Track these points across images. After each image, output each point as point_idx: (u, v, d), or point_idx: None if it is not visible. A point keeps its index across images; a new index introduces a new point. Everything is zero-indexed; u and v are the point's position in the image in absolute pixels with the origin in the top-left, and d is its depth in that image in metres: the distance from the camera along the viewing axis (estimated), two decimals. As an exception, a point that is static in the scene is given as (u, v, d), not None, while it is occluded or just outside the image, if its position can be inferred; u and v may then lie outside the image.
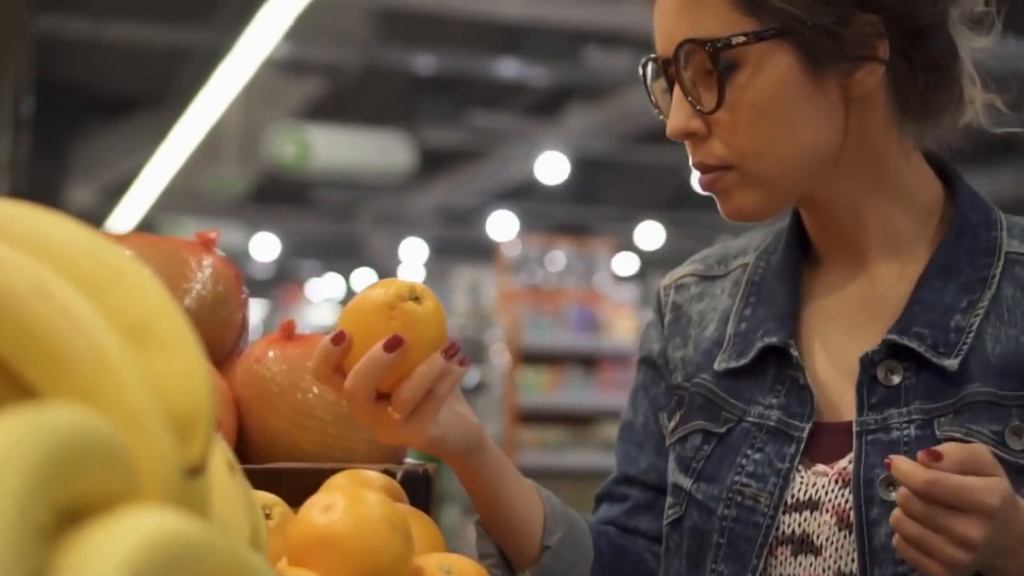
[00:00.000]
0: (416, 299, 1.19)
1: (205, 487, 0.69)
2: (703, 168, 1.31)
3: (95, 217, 12.89)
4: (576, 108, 10.05)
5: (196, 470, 0.66)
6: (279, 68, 8.65)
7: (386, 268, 17.89)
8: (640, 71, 1.35)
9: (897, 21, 1.26)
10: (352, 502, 0.98)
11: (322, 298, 20.08)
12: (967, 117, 1.34)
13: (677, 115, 1.30)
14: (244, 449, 1.42)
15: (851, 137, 1.30)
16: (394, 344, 1.16)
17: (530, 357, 8.48)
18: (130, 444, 0.60)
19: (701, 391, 1.41)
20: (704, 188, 1.33)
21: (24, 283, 0.61)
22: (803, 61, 1.26)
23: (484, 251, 12.85)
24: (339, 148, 10.44)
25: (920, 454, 1.11)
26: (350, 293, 19.78)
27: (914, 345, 1.28)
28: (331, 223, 15.64)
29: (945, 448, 1.12)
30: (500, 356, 8.62)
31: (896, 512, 1.14)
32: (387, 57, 8.93)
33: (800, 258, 1.42)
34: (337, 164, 10.52)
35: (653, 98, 1.36)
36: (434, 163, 12.01)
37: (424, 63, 9.09)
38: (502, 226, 13.40)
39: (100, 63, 9.87)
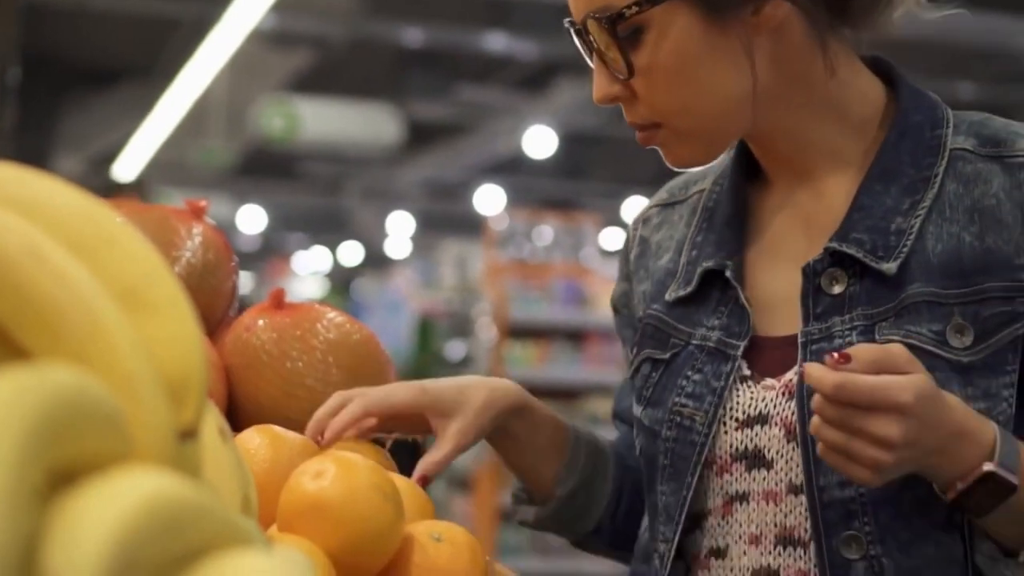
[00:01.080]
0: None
1: (197, 452, 0.69)
2: (636, 127, 1.33)
3: (81, 189, 12.83)
4: (564, 83, 10.01)
5: (189, 434, 0.66)
6: (266, 40, 8.60)
7: (373, 241, 17.88)
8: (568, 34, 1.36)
9: None
10: (343, 469, 0.98)
11: (309, 271, 20.05)
12: (902, 8, 1.33)
13: (599, 82, 1.31)
14: (234, 417, 1.42)
15: (772, 69, 1.30)
16: None
17: (517, 331, 8.47)
18: (124, 407, 0.60)
19: (652, 321, 1.43)
20: (642, 144, 1.35)
21: (17, 245, 0.61)
22: (704, 15, 1.26)
23: (471, 225, 12.83)
24: (327, 121, 10.41)
25: (827, 357, 1.12)
26: (336, 266, 19.76)
27: (853, 251, 1.28)
28: (318, 196, 15.60)
29: (855, 350, 1.13)
30: (487, 330, 8.61)
31: (814, 419, 1.14)
32: (375, 30, 8.89)
33: (747, 180, 1.43)
34: (324, 137, 10.49)
35: (586, 58, 1.36)
36: (422, 136, 11.97)
37: (412, 36, 9.05)
38: (489, 200, 13.39)
39: (87, 33, 9.81)
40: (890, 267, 1.27)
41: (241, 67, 8.79)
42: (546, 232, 9.12)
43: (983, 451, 1.16)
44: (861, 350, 1.13)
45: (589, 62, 1.35)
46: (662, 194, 1.53)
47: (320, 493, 0.96)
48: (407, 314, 11.62)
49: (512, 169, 13.22)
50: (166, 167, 12.43)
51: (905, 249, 1.27)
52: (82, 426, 0.56)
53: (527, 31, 8.82)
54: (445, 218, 16.26)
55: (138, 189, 4.81)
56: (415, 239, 17.21)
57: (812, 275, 1.30)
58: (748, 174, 1.43)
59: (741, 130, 1.34)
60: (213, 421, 0.82)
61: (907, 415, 1.11)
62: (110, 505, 0.54)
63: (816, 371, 1.12)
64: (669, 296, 1.41)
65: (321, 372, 1.41)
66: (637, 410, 1.41)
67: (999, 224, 1.26)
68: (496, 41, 9.03)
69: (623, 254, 1.54)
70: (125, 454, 0.60)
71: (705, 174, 1.49)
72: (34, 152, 10.44)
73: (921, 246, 1.27)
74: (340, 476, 0.97)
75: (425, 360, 9.75)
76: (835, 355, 1.11)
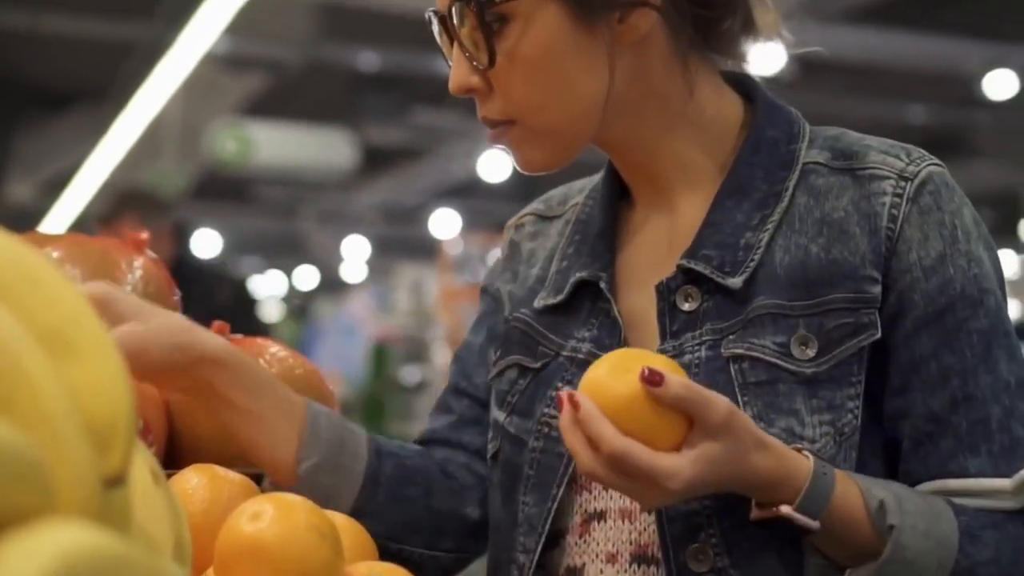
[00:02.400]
0: None
1: (126, 497, 0.67)
2: (488, 123, 1.33)
3: (34, 212, 12.76)
4: (519, 107, 10.03)
5: (116, 480, 0.64)
6: (220, 63, 8.57)
7: (329, 266, 17.84)
8: (429, 26, 1.36)
9: None
10: (280, 510, 0.96)
11: (263, 295, 19.99)
12: (762, 40, 1.36)
13: (456, 71, 1.31)
14: (175, 453, 1.40)
15: (630, 80, 1.30)
16: None
17: (472, 356, 8.46)
18: (45, 455, 0.58)
19: (520, 326, 1.42)
20: (491, 142, 1.35)
21: (-64, 289, 0.60)
22: (572, 12, 1.26)
23: (427, 249, 12.83)
24: (281, 145, 10.38)
25: (646, 369, 1.11)
26: (292, 290, 19.71)
27: (701, 268, 1.29)
28: (273, 220, 15.55)
29: (671, 378, 1.11)
30: (442, 355, 8.60)
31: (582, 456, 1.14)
32: (330, 54, 8.88)
33: (617, 196, 1.43)
34: (279, 161, 10.46)
35: (444, 52, 1.36)
36: (377, 161, 11.97)
37: (367, 60, 9.05)
38: (445, 224, 13.39)
39: (40, 56, 9.76)
40: (735, 282, 1.27)
41: (195, 90, 8.77)
42: (501, 256, 9.11)
43: (790, 493, 1.16)
44: (674, 381, 1.11)
45: (446, 54, 1.35)
46: (539, 205, 1.54)
47: (257, 535, 0.95)
48: (362, 339, 11.59)
49: (467, 193, 13.23)
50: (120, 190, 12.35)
51: (752, 263, 1.28)
52: (1, 479, 0.55)
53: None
54: (400, 242, 16.25)
55: (150, 202, 4.73)
56: (371, 263, 17.18)
57: (666, 292, 1.30)
58: (618, 191, 1.43)
59: (590, 135, 1.33)
60: (145, 464, 0.80)
61: (671, 494, 1.12)
62: (27, 562, 0.52)
63: (596, 427, 1.11)
64: (538, 303, 1.41)
65: (263, 407, 1.39)
66: (500, 416, 1.40)
67: (846, 235, 1.27)
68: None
69: (501, 250, 1.55)
70: (47, 505, 0.58)
71: (583, 188, 1.50)
72: (-15, 175, 10.37)
73: (769, 259, 1.28)
74: (277, 517, 0.95)
75: (380, 385, 9.73)
76: (647, 370, 1.10)
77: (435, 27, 1.35)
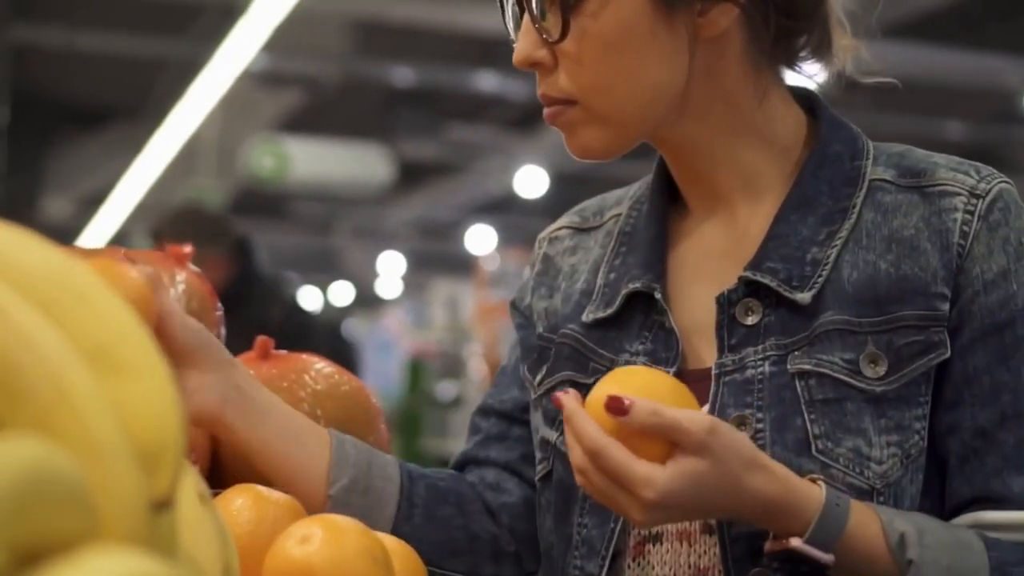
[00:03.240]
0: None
1: (173, 521, 0.65)
2: (548, 100, 1.29)
3: (70, 229, 12.83)
4: (555, 122, 10.04)
5: (163, 504, 0.62)
6: (257, 80, 8.61)
7: (364, 281, 17.87)
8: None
9: None
10: (330, 533, 0.94)
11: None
12: (836, 64, 1.33)
13: (523, 43, 1.28)
14: (218, 473, 1.38)
15: (702, 78, 1.27)
16: None
17: (508, 372, 8.45)
18: (91, 479, 0.56)
19: (569, 342, 1.38)
20: (548, 121, 1.30)
21: (-21, 305, 0.57)
22: None
23: (462, 265, 12.84)
24: (317, 161, 10.41)
25: (608, 400, 1.10)
26: (327, 306, 19.76)
27: (767, 280, 1.26)
28: (309, 236, 15.60)
29: (635, 405, 1.10)
30: (478, 370, 8.58)
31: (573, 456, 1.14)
32: (365, 70, 8.91)
33: (667, 204, 1.39)
34: (315, 177, 10.49)
35: (508, 25, 1.33)
36: (412, 176, 11.98)
37: (402, 76, 9.07)
38: (480, 240, 13.39)
39: (76, 74, 9.82)
40: (804, 297, 1.24)
41: (231, 107, 8.79)
42: (537, 272, 9.10)
43: (801, 525, 1.14)
44: (640, 410, 1.10)
45: (510, 24, 1.32)
46: (574, 217, 1.49)
47: (307, 559, 0.92)
48: (398, 354, 11.61)
49: (503, 209, 13.24)
50: (156, 208, 12.41)
51: (820, 279, 1.25)
52: (46, 503, 0.52)
53: (517, 71, 8.82)
54: (436, 258, 16.27)
55: (215, 222, 4.71)
56: (406, 279, 17.21)
57: (727, 304, 1.27)
58: (667, 199, 1.40)
59: (658, 130, 1.30)
60: (192, 486, 0.78)
61: (647, 506, 1.10)
62: (73, 591, 0.50)
63: (579, 423, 1.11)
64: (587, 317, 1.37)
65: (308, 426, 1.37)
66: (551, 435, 1.37)
67: (916, 251, 1.25)
68: (487, 81, 9.05)
69: (529, 266, 1.50)
70: (93, 531, 0.56)
71: (620, 199, 1.46)
72: (23, 193, 10.44)
73: (837, 275, 1.25)
74: (328, 540, 0.93)
75: (415, 401, 9.72)
76: (608, 399, 1.10)
77: None
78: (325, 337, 5.26)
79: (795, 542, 1.13)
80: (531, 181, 11.03)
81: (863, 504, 1.17)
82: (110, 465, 0.58)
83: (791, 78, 1.37)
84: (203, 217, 4.88)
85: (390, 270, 16.62)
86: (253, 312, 4.08)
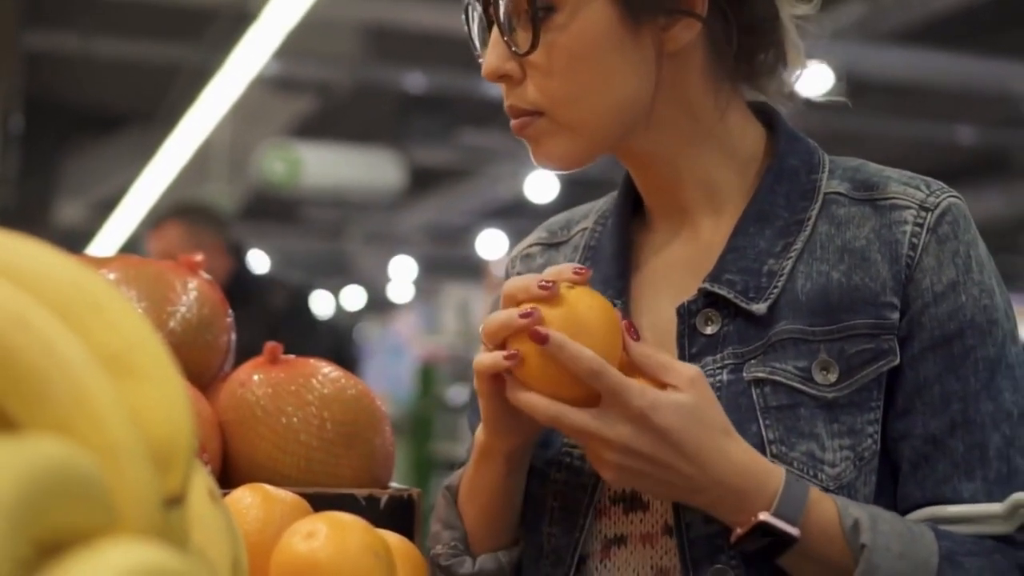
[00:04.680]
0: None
1: (184, 518, 0.69)
2: (515, 112, 1.32)
3: (83, 234, 12.86)
4: (565, 127, 10.02)
5: (175, 501, 0.66)
6: (269, 86, 8.63)
7: (376, 286, 17.87)
8: (463, 12, 1.35)
9: None
10: (334, 529, 0.97)
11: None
12: (790, 84, 1.37)
13: (492, 55, 1.30)
14: (228, 473, 1.41)
15: (666, 91, 1.31)
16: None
17: (519, 376, 8.43)
18: (108, 477, 0.60)
19: None
20: (515, 133, 1.33)
21: (3, 313, 0.61)
22: (620, 10, 1.26)
23: (473, 269, 12.83)
24: (329, 166, 10.42)
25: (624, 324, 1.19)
26: (339, 310, 19.77)
27: (724, 292, 1.29)
28: (321, 241, 15.60)
29: (640, 345, 1.18)
30: (489, 375, 8.58)
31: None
32: (377, 75, 8.91)
33: (631, 218, 1.43)
34: (327, 182, 10.50)
35: (475, 39, 1.36)
36: (424, 181, 11.99)
37: (414, 82, 9.08)
38: (492, 245, 13.39)
39: (90, 79, 9.84)
40: (760, 308, 1.28)
41: (244, 113, 8.81)
42: (548, 277, 9.10)
43: (764, 502, 1.17)
44: (638, 348, 1.18)
45: (477, 38, 1.35)
46: (542, 233, 1.53)
47: (311, 554, 0.96)
48: (409, 359, 11.60)
49: (514, 213, 13.23)
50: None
51: (776, 290, 1.29)
52: (66, 499, 0.56)
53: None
54: (447, 262, 16.26)
55: (201, 213, 4.74)
56: (417, 283, 17.20)
57: (687, 315, 1.31)
58: (631, 212, 1.43)
59: (623, 141, 1.33)
60: (202, 484, 0.81)
61: (610, 467, 1.16)
62: (92, 579, 0.54)
63: (526, 399, 1.17)
64: None
65: (315, 428, 1.40)
66: None
67: (867, 262, 1.28)
68: (498, 87, 9.03)
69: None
70: (110, 525, 0.59)
71: (587, 214, 1.50)
72: (37, 198, 10.46)
73: (791, 286, 1.29)
74: (332, 536, 0.96)
75: (427, 405, 9.73)
76: (627, 324, 1.19)
77: (473, 9, 1.35)
78: (327, 330, 5.28)
79: (764, 515, 1.16)
80: (542, 186, 11.04)
81: (818, 490, 1.20)
82: (126, 464, 0.62)
83: (800, 83, 1.40)
84: (202, 204, 4.94)
85: (402, 275, 16.61)
86: (255, 306, 4.13)
